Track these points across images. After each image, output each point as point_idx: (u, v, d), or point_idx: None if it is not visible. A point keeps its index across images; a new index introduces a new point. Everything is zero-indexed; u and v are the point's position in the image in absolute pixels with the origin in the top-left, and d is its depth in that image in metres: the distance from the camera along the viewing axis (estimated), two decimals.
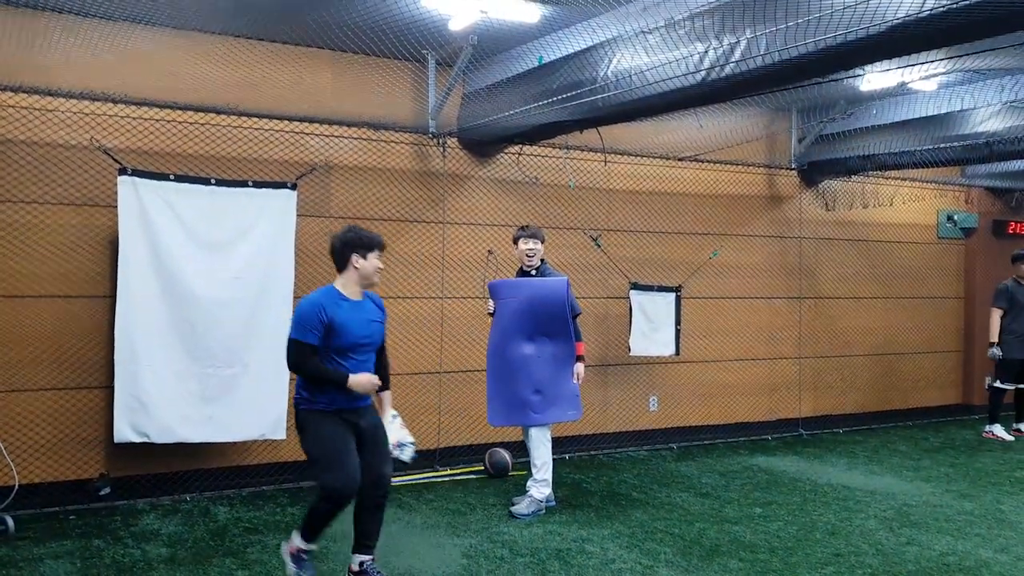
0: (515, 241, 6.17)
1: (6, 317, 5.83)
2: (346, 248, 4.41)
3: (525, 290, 5.98)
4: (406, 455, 4.69)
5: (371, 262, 4.43)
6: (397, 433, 4.66)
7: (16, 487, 5.49)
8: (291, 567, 4.42)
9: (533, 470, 6.01)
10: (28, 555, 4.88)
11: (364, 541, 4.48)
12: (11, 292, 5.84)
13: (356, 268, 4.41)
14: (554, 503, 6.11)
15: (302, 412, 4.41)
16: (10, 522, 5.25)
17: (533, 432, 5.99)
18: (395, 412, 4.73)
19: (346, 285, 4.43)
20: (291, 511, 5.96)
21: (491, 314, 6.14)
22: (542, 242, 6.12)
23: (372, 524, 4.46)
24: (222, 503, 6.10)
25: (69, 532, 5.39)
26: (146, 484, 6.18)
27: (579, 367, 6.00)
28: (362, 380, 4.32)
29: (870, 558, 5.02)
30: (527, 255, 6.07)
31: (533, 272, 6.10)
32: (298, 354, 4.35)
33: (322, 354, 4.33)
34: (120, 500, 5.99)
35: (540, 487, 5.97)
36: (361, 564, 4.48)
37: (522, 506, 5.90)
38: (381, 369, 4.59)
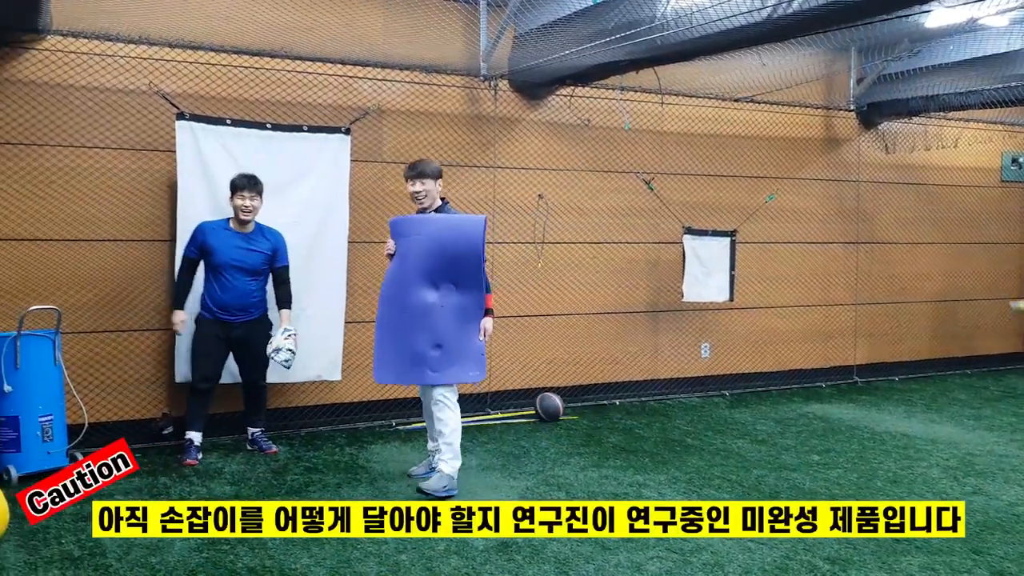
0: (405, 180, 5.27)
1: (70, 261, 5.92)
2: None
3: (433, 226, 5.10)
4: (279, 358, 5.69)
5: (234, 202, 5.66)
6: (275, 341, 5.72)
7: (86, 426, 5.63)
8: (187, 455, 5.74)
9: (440, 439, 5.16)
10: (99, 491, 5.01)
11: (251, 417, 6.07)
12: (75, 236, 5.93)
13: (229, 218, 5.74)
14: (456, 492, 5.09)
15: (197, 314, 5.79)
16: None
17: (438, 393, 5.13)
18: (288, 327, 5.76)
19: (233, 219, 5.71)
20: (348, 451, 6.06)
21: (390, 255, 5.25)
22: (434, 180, 5.20)
23: (252, 406, 6.04)
24: (281, 443, 6.21)
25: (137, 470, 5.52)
26: (207, 424, 6.28)
27: (487, 322, 5.11)
28: (175, 318, 5.72)
29: None
30: (414, 197, 5.22)
31: (432, 213, 5.27)
32: (180, 263, 5.74)
33: (206, 269, 5.69)
34: (182, 439, 6.11)
35: (451, 461, 5.10)
36: (252, 434, 6.06)
37: (432, 482, 5.03)
38: (283, 292, 5.86)
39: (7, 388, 5.20)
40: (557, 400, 7.13)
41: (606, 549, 4.22)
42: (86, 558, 4.11)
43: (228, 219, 5.75)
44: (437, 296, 5.04)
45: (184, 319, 5.72)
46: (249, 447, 6.05)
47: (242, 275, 5.70)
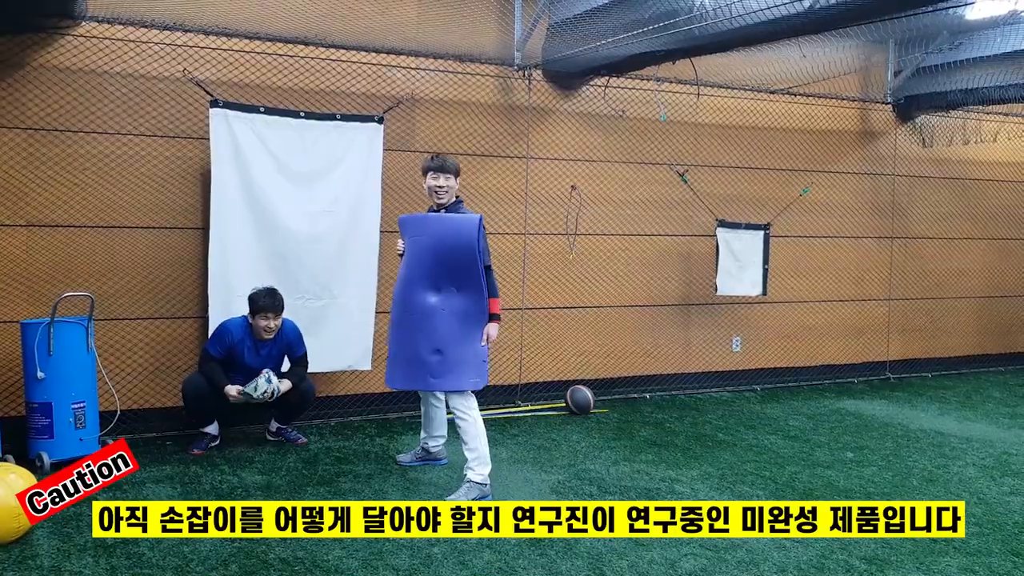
0: (424, 173, 5.15)
1: (103, 247, 5.94)
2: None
3: (431, 227, 4.94)
4: (250, 387, 5.59)
5: (256, 322, 5.64)
6: (258, 379, 5.64)
7: (118, 412, 5.66)
8: (196, 446, 5.70)
9: (464, 448, 4.92)
10: (131, 479, 5.01)
11: (285, 413, 5.97)
12: (108, 223, 5.95)
13: (250, 323, 5.69)
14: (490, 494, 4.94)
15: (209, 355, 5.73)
16: None
17: (451, 404, 4.97)
18: (274, 381, 5.66)
19: (254, 331, 5.70)
20: (379, 441, 6.05)
21: (401, 254, 5.15)
22: (455, 176, 5.12)
23: (294, 407, 5.92)
24: (311, 432, 6.22)
25: (168, 458, 5.55)
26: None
27: (491, 328, 4.89)
28: (229, 392, 5.58)
29: (972, 507, 4.87)
30: (435, 192, 5.09)
31: (444, 210, 5.16)
32: (202, 358, 5.70)
33: (225, 364, 5.67)
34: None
35: (478, 468, 4.87)
36: (276, 427, 6.04)
37: (459, 494, 4.81)
38: (294, 370, 5.85)
39: (40, 375, 5.23)
40: (588, 393, 7.09)
41: (640, 545, 4.18)
42: (119, 546, 4.12)
43: (247, 319, 5.70)
44: (439, 299, 4.85)
45: (236, 389, 5.58)
46: (269, 437, 6.05)
47: (256, 371, 5.71)
